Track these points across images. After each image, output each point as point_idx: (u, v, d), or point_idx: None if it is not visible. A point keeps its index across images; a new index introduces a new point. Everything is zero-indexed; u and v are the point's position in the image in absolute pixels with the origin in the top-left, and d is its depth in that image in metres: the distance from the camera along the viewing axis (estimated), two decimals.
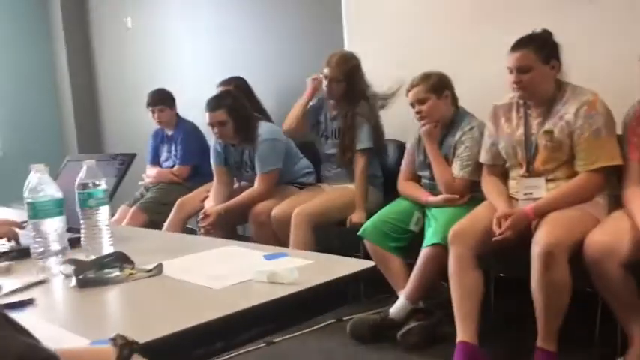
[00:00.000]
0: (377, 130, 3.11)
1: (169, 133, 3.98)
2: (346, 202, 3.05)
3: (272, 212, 3.02)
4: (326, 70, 3.09)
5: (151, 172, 3.98)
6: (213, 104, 3.19)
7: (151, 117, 3.95)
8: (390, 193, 2.91)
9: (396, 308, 2.54)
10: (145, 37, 4.94)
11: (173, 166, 3.91)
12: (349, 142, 3.08)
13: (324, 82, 3.11)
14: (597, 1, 2.63)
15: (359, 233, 2.71)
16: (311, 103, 3.28)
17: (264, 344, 2.50)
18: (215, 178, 3.40)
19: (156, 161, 4.05)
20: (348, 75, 3.07)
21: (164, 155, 4.01)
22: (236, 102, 3.22)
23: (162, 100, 3.91)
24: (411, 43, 3.29)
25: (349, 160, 3.09)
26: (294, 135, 3.35)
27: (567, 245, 2.05)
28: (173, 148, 3.94)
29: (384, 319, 2.56)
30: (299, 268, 1.23)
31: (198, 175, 3.76)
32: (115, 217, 3.69)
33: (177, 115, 3.98)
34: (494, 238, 2.18)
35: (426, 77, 2.66)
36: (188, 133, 3.89)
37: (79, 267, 1.31)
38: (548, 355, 2.09)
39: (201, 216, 3.20)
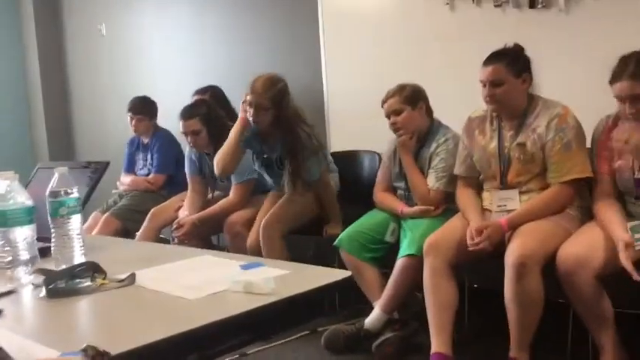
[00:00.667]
0: (322, 154, 2.96)
1: (145, 140, 3.93)
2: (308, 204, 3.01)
3: (262, 224, 2.91)
4: (250, 97, 2.79)
5: (125, 180, 3.92)
6: (188, 113, 3.17)
7: (129, 122, 3.91)
8: (365, 204, 2.91)
9: (371, 319, 2.54)
10: (120, 44, 4.89)
11: (148, 174, 3.86)
12: (296, 173, 2.88)
13: (249, 111, 2.82)
14: (571, 15, 2.69)
15: (335, 244, 2.71)
16: (246, 134, 2.93)
17: (237, 356, 2.47)
18: (189, 187, 3.37)
19: (131, 169, 4.00)
20: (275, 101, 2.79)
21: (140, 163, 3.97)
22: (210, 111, 3.20)
23: (141, 109, 3.87)
24: (386, 53, 3.32)
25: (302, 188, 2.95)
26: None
27: (540, 257, 2.07)
28: (149, 156, 3.89)
29: (359, 330, 2.55)
30: (275, 278, 1.22)
31: (174, 184, 3.72)
32: (86, 224, 3.63)
33: (154, 124, 3.94)
34: (469, 248, 2.20)
35: (400, 89, 2.68)
36: (164, 141, 3.85)
37: (49, 277, 1.28)
38: None
39: (175, 225, 3.16)
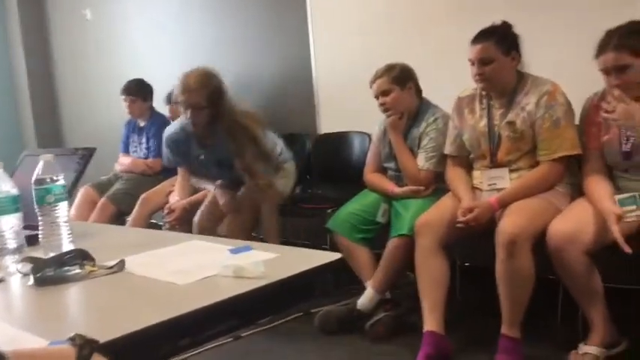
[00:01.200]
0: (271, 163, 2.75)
1: (142, 124, 3.91)
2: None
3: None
4: (182, 97, 2.56)
5: (124, 160, 3.92)
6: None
7: (124, 106, 3.89)
8: (356, 185, 2.91)
9: (364, 299, 2.55)
10: (105, 28, 4.82)
11: (144, 158, 3.85)
12: (249, 170, 2.69)
13: (184, 112, 2.58)
14: None
15: (326, 225, 2.71)
16: (174, 135, 2.73)
17: (231, 339, 2.48)
18: (179, 173, 3.35)
19: (128, 150, 3.98)
20: (212, 99, 2.54)
21: (134, 145, 3.95)
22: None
23: (135, 91, 3.86)
24: (375, 35, 3.30)
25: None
26: None
27: (530, 234, 2.08)
28: (144, 139, 3.87)
29: (352, 311, 2.56)
30: (265, 262, 1.22)
31: (171, 168, 3.70)
32: (76, 200, 3.62)
33: (151, 107, 3.91)
34: (457, 224, 2.21)
35: (389, 69, 2.67)
36: (161, 126, 3.82)
37: (37, 265, 1.26)
38: (513, 342, 2.12)
39: (166, 211, 3.15)
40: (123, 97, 3.86)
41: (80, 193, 3.69)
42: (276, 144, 2.93)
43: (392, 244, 2.49)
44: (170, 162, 2.93)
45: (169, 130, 2.83)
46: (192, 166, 2.86)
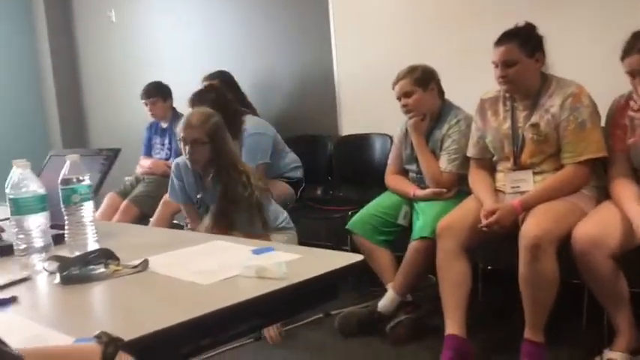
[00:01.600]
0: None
1: (164, 125, 3.95)
2: None
3: None
4: (184, 133, 2.52)
5: (145, 163, 3.95)
6: (197, 100, 3.15)
7: (146, 110, 3.93)
8: (377, 187, 2.90)
9: (385, 302, 2.54)
10: (130, 30, 4.88)
11: (167, 159, 3.88)
12: (220, 214, 2.50)
13: (184, 148, 2.54)
14: None
15: (347, 227, 2.71)
16: (182, 163, 2.67)
17: (252, 340, 2.49)
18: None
19: (149, 153, 4.03)
20: (211, 134, 2.50)
21: (157, 147, 3.99)
22: (219, 96, 3.17)
23: (154, 92, 3.89)
24: (397, 37, 3.29)
25: None
26: None
27: (554, 237, 2.06)
28: (166, 140, 3.91)
29: (372, 313, 2.55)
30: (287, 263, 1.22)
31: None
32: (102, 206, 3.67)
33: (173, 108, 3.95)
34: (480, 226, 2.19)
35: (411, 70, 2.66)
36: None
37: (63, 264, 1.28)
38: (536, 346, 2.10)
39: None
40: (143, 101, 3.90)
41: (105, 200, 3.73)
42: (279, 213, 2.67)
43: (413, 246, 2.48)
44: (174, 193, 2.79)
45: (179, 158, 2.78)
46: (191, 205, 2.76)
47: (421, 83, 2.63)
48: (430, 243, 2.37)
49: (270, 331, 2.50)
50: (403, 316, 2.51)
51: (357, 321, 2.57)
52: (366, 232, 2.65)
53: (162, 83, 3.96)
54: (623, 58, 2.02)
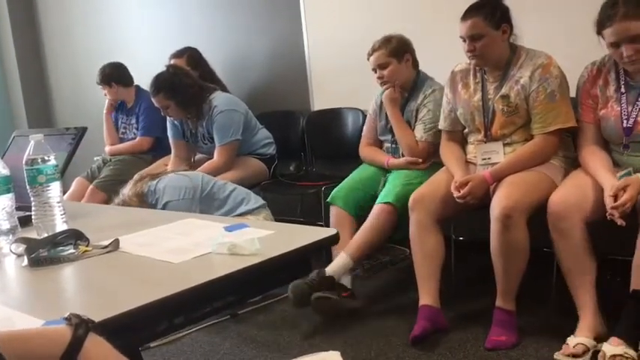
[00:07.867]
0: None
1: (129, 104, 3.86)
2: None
3: None
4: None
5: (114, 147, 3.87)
6: (152, 89, 3.13)
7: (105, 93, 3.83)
8: (349, 161, 2.90)
9: (335, 265, 2.45)
10: (96, 7, 4.74)
11: (133, 138, 3.81)
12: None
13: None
14: None
15: (328, 200, 2.67)
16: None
17: (227, 317, 2.49)
18: (173, 152, 3.33)
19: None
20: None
21: (122, 127, 3.90)
22: (174, 82, 3.09)
23: (110, 78, 3.77)
24: (368, 11, 3.25)
25: None
26: None
27: (525, 207, 2.09)
28: (133, 119, 3.82)
29: (321, 277, 2.42)
30: (260, 239, 1.21)
31: (160, 147, 3.66)
32: (70, 190, 3.60)
33: (137, 87, 3.85)
34: (456, 197, 2.19)
35: (386, 41, 2.64)
36: (150, 104, 3.76)
37: (31, 246, 1.25)
38: (507, 314, 2.14)
39: None
40: (101, 86, 3.78)
41: (73, 185, 3.65)
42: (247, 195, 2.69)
43: (375, 210, 2.47)
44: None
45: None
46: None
47: (396, 54, 2.62)
48: (391, 209, 2.38)
49: None
50: (334, 296, 2.40)
51: (307, 287, 2.41)
52: (347, 205, 2.61)
53: (117, 65, 3.81)
54: (601, 30, 1.96)
